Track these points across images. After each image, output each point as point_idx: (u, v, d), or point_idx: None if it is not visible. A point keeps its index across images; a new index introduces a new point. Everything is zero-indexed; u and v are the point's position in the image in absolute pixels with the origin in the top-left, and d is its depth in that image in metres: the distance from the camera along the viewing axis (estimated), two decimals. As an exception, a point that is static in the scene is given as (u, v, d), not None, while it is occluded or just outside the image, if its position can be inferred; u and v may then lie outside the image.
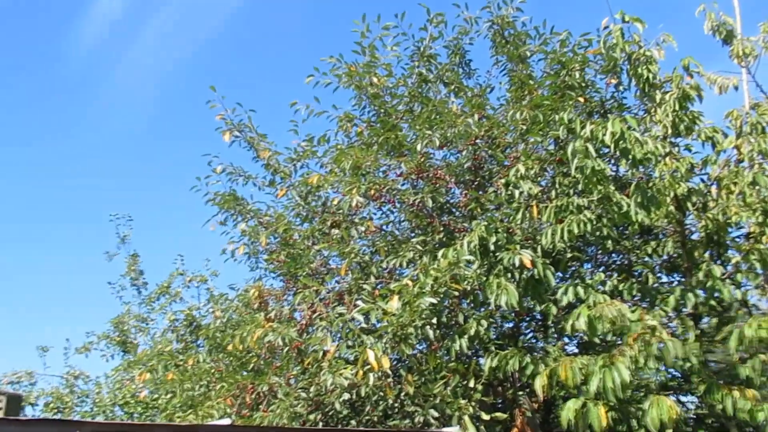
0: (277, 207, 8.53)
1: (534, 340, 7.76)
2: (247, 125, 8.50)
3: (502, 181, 7.18)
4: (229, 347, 7.36)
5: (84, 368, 12.46)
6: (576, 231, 6.40)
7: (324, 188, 7.99)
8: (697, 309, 6.51)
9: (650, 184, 6.57)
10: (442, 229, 7.65)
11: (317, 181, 7.82)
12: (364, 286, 7.05)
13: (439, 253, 6.45)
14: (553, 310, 6.68)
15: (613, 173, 7.44)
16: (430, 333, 6.29)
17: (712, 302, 6.54)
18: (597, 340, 6.39)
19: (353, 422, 6.80)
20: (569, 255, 7.19)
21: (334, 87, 8.37)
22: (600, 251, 7.65)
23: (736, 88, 8.15)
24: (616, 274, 7.15)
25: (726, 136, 7.05)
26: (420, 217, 7.84)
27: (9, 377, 11.50)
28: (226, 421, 5.41)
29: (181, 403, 7.84)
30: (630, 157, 6.46)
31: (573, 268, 7.51)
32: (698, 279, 6.53)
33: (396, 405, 6.77)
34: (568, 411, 5.52)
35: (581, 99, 7.75)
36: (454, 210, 8.07)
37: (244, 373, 7.38)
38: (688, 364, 6.12)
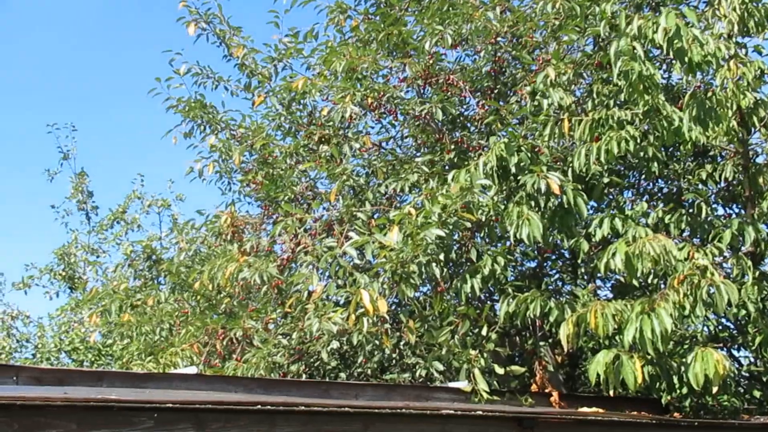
0: (254, 117, 8.57)
1: (560, 282, 7.88)
2: (216, 15, 8.42)
3: (528, 89, 7.14)
4: (196, 285, 7.47)
5: (23, 308, 12.72)
6: (616, 151, 6.39)
7: (311, 95, 7.95)
8: (759, 247, 6.55)
9: (709, 94, 6.51)
10: (453, 146, 7.67)
11: (303, 86, 7.76)
12: (358, 214, 7.09)
13: (449, 176, 6.48)
14: (585, 246, 6.75)
15: (665, 80, 7.37)
16: (437, 271, 6.34)
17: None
18: (636, 283, 6.46)
19: (343, 375, 6.98)
20: (606, 180, 7.19)
21: (323, -32, 8.26)
22: (644, 176, 7.69)
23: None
24: (662, 204, 7.19)
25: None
26: (427, 132, 7.85)
27: (-64, 317, 11.77)
28: (192, 370, 5.55)
29: (139, 349, 8.01)
30: (686, 59, 6.38)
31: (611, 197, 7.53)
32: (762, 211, 6.57)
33: (394, 356, 6.94)
34: (597, 365, 5.63)
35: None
36: (468, 124, 8.08)
37: (215, 317, 7.52)
38: (743, 312, 6.23)
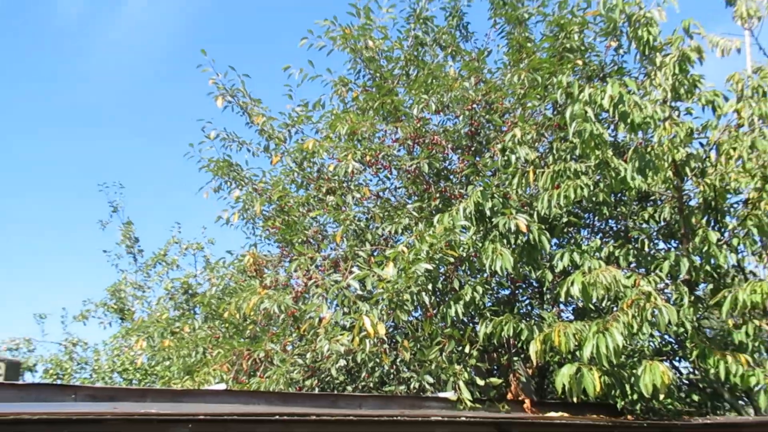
0: (272, 173, 8.59)
1: (530, 307, 7.86)
2: (240, 90, 8.49)
3: (499, 146, 7.18)
4: (225, 314, 7.45)
5: (82, 336, 12.67)
6: (573, 196, 6.44)
7: (319, 154, 7.99)
8: (693, 275, 6.55)
9: (649, 149, 6.57)
10: (438, 195, 7.71)
11: (312, 146, 7.82)
12: (360, 252, 7.13)
13: (435, 219, 6.51)
14: (549, 276, 6.77)
15: (612, 138, 7.44)
16: (426, 299, 6.36)
17: (708, 268, 6.58)
18: (592, 307, 6.48)
19: (349, 388, 6.93)
20: (565, 221, 7.24)
21: (328, 50, 8.38)
22: (597, 217, 7.70)
23: (739, 50, 8.10)
24: (612, 241, 7.18)
25: (727, 100, 7.01)
26: (416, 183, 7.88)
27: (7, 344, 11.69)
28: (221, 386, 5.53)
29: (178, 369, 7.97)
30: (629, 121, 6.46)
31: (570, 235, 7.56)
32: (695, 245, 6.58)
33: (392, 371, 6.91)
34: (562, 376, 5.61)
35: (580, 62, 7.71)
36: (450, 176, 8.12)
37: (241, 341, 7.49)
38: (682, 330, 6.23)
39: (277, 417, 3.76)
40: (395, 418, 4.35)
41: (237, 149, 8.58)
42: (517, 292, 7.72)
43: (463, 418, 4.71)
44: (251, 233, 8.67)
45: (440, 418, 4.54)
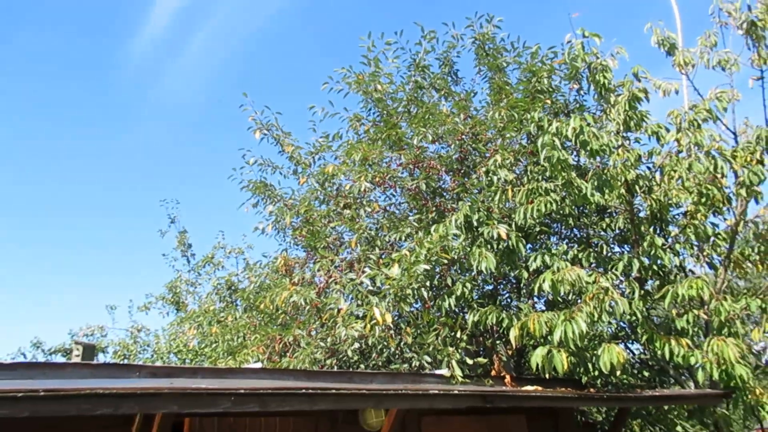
0: (299, 192, 8.56)
1: (510, 300, 7.79)
2: (274, 125, 8.48)
3: (483, 169, 7.15)
4: (261, 306, 7.40)
5: (145, 323, 12.63)
6: (543, 210, 6.39)
7: (338, 176, 7.97)
8: (642, 273, 6.47)
9: (605, 171, 6.52)
10: (434, 209, 7.65)
11: (332, 170, 7.81)
12: (371, 256, 7.06)
13: (432, 229, 6.46)
14: (525, 274, 6.68)
15: (575, 162, 7.38)
16: (425, 294, 6.30)
17: (655, 268, 6.50)
18: (560, 299, 6.40)
19: (362, 366, 6.85)
20: (538, 230, 7.17)
21: (345, 93, 8.39)
22: (564, 226, 7.63)
23: (677, 91, 8.01)
24: (576, 245, 7.11)
25: (668, 131, 6.96)
26: (416, 200, 7.83)
27: (84, 330, 11.64)
28: (258, 365, 5.46)
29: (222, 351, 7.91)
30: (588, 148, 6.42)
31: (542, 241, 7.48)
32: (644, 249, 6.50)
33: (397, 352, 6.82)
34: (536, 357, 5.53)
35: (549, 101, 7.71)
36: (444, 193, 8.05)
37: (274, 327, 7.43)
38: (634, 318, 6.14)
39: (303, 391, 3.69)
40: (400, 392, 4.26)
41: (271, 172, 8.56)
42: (499, 287, 7.65)
43: (456, 391, 4.62)
44: (282, 240, 8.63)
45: (437, 392, 4.44)
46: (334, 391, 3.95)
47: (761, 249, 6.73)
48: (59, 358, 11.32)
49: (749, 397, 5.53)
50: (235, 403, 3.43)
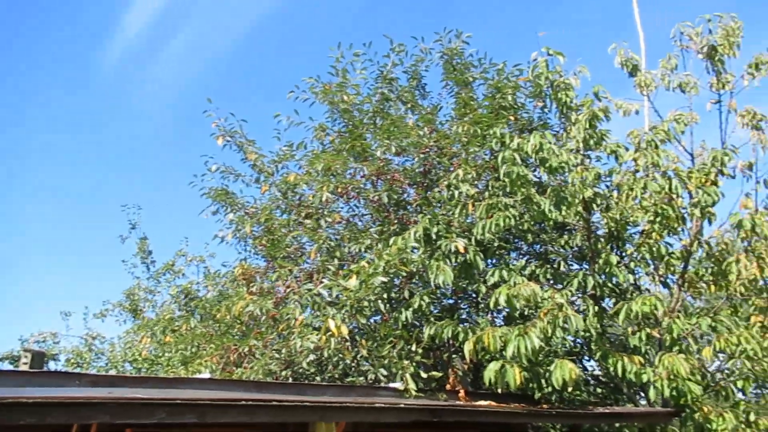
0: (262, 201, 8.46)
1: (468, 315, 7.80)
2: (238, 132, 8.42)
3: (445, 183, 7.18)
4: (218, 316, 7.29)
5: (101, 331, 12.30)
6: (502, 224, 6.43)
7: (300, 186, 7.93)
8: (597, 290, 6.55)
9: (563, 189, 6.61)
10: (396, 221, 7.64)
11: (294, 179, 7.76)
12: (330, 267, 7.02)
13: (391, 241, 6.45)
14: (483, 289, 6.71)
15: (537, 179, 7.46)
16: (381, 306, 6.29)
17: (610, 285, 6.60)
18: (517, 315, 6.43)
19: (318, 378, 6.78)
20: (497, 245, 7.21)
21: (311, 102, 8.37)
22: (523, 242, 7.69)
23: (638, 112, 8.24)
24: (535, 261, 7.17)
25: (627, 150, 7.11)
26: (379, 211, 7.82)
27: (36, 337, 11.30)
28: (207, 375, 5.37)
29: (177, 360, 7.74)
30: (547, 165, 6.52)
31: (501, 256, 7.52)
32: (599, 266, 6.59)
33: (353, 365, 6.76)
34: (489, 371, 5.55)
35: (513, 118, 7.80)
36: (407, 206, 8.06)
37: (230, 337, 7.31)
38: (588, 334, 6.20)
39: (243, 402, 3.62)
40: (345, 404, 4.21)
41: (233, 180, 8.47)
42: (459, 302, 7.66)
43: (403, 405, 4.59)
44: (243, 249, 8.52)
45: (383, 405, 4.41)
46: (275, 402, 3.89)
47: (714, 269, 6.88)
48: (7, 366, 10.94)
49: (698, 414, 5.62)
50: (171, 414, 3.35)
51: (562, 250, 7.38)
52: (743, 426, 5.74)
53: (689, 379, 5.40)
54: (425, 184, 7.97)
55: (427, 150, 7.84)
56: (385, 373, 6.18)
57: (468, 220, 7.11)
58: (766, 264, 6.35)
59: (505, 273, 6.42)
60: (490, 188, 7.25)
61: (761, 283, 6.54)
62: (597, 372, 7.40)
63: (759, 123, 7.26)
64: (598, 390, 7.04)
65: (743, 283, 6.49)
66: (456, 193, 6.96)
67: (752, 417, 5.72)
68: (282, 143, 8.42)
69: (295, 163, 8.42)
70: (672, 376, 5.41)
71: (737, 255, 6.51)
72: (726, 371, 6.49)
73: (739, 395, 6.16)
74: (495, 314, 7.32)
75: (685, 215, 6.89)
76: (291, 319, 6.48)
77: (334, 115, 8.54)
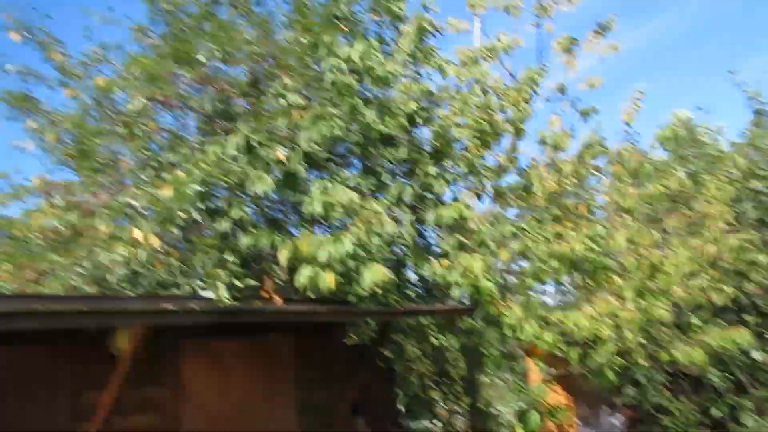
0: (72, 107, 7.63)
1: (295, 227, 7.74)
2: (40, 28, 7.41)
3: (273, 91, 6.90)
4: (16, 233, 6.58)
5: None
6: (327, 134, 6.32)
7: (115, 92, 7.22)
8: (416, 201, 6.74)
9: (388, 101, 6.62)
10: (223, 132, 7.25)
11: (104, 83, 7.04)
12: (144, 177, 6.56)
13: (209, 149, 6.10)
14: (307, 200, 6.62)
15: (365, 92, 7.38)
16: (198, 216, 6.00)
17: (429, 196, 6.81)
18: (336, 224, 6.46)
19: (129, 292, 6.42)
20: (326, 157, 7.12)
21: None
22: (351, 155, 7.68)
23: (469, 30, 8.40)
24: (360, 173, 7.22)
25: (452, 65, 7.24)
26: (205, 122, 7.40)
27: None
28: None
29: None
30: (373, 74, 6.47)
31: (330, 169, 7.45)
32: (420, 178, 6.77)
33: (170, 279, 6.48)
34: (302, 276, 5.53)
35: (345, 29, 7.58)
36: (236, 117, 7.68)
37: (28, 254, 6.66)
38: (403, 241, 6.41)
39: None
40: (129, 309, 3.98)
41: (35, 83, 7.51)
42: (285, 215, 7.55)
43: (197, 308, 4.44)
44: (48, 160, 7.68)
45: (173, 307, 4.23)
46: (41, 309, 3.55)
47: (522, 184, 7.35)
48: None
49: (492, 308, 6.10)
50: None
51: (388, 163, 7.46)
52: (536, 320, 6.31)
53: (485, 278, 5.80)
54: (256, 95, 7.62)
55: (258, 59, 7.46)
56: (200, 284, 5.97)
57: (296, 132, 6.92)
58: (565, 179, 6.91)
59: (329, 184, 6.36)
60: (318, 98, 7.08)
61: (561, 196, 7.13)
62: (413, 277, 7.74)
63: (570, 47, 7.71)
64: (411, 293, 7.38)
65: (545, 197, 7.02)
66: (283, 102, 6.71)
67: (541, 312, 6.31)
68: (94, 45, 7.58)
69: (110, 67, 7.64)
70: (467, 274, 5.77)
71: (540, 169, 7.01)
72: (518, 271, 7.07)
73: (531, 293, 6.75)
74: (320, 227, 7.33)
75: (501, 133, 7.23)
76: (97, 231, 6.02)
77: (156, 17, 7.79)
